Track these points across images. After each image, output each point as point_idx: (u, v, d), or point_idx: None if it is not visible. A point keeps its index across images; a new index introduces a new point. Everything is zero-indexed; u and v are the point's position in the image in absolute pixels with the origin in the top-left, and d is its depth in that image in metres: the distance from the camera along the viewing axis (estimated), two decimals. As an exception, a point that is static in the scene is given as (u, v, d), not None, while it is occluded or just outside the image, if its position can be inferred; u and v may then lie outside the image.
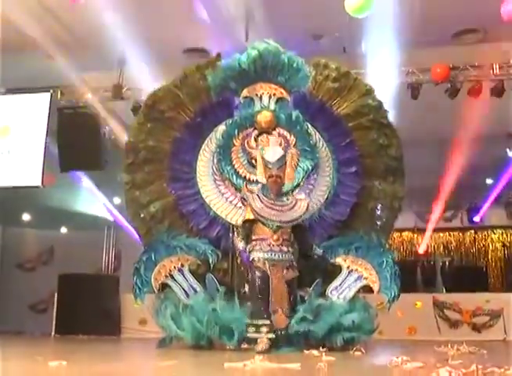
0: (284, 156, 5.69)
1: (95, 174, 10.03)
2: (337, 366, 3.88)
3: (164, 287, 5.88)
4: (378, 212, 6.33)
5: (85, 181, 10.50)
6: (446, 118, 8.07)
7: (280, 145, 5.90)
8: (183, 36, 7.62)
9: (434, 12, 6.95)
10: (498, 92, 7.72)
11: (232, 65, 6.07)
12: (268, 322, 5.08)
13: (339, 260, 5.87)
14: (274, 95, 6.19)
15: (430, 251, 15.10)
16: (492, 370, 2.98)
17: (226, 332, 5.22)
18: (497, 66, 7.80)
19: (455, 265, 14.66)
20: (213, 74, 6.14)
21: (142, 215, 6.30)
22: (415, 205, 12.86)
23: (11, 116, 8.64)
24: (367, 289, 5.82)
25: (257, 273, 5.23)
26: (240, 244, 5.46)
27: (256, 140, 6.10)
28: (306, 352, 4.71)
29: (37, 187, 8.53)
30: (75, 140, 8.50)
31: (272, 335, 5.03)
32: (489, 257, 14.92)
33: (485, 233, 15.08)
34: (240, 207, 5.91)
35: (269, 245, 5.34)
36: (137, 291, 5.78)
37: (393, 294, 5.63)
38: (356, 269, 5.81)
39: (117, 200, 11.27)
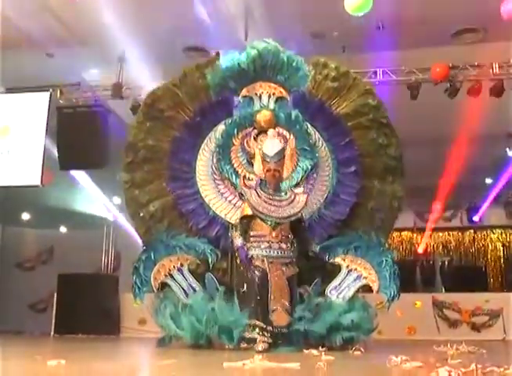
0: (283, 149, 5.67)
1: (95, 173, 10.03)
2: (337, 365, 3.87)
3: (164, 286, 5.87)
4: (377, 212, 6.32)
5: (85, 180, 10.48)
6: (446, 118, 8.08)
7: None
8: (183, 35, 7.61)
9: (433, 12, 6.95)
10: (497, 91, 7.71)
11: (232, 64, 6.06)
12: (264, 325, 5.07)
13: (338, 259, 5.87)
14: (273, 94, 6.19)
15: (429, 250, 15.11)
16: (491, 370, 2.97)
17: (225, 331, 5.21)
18: (497, 66, 7.79)
19: (454, 265, 14.67)
20: (212, 73, 6.14)
21: (141, 214, 6.30)
22: (414, 205, 12.85)
23: (10, 115, 8.63)
24: (366, 288, 5.82)
25: (256, 273, 5.23)
26: (238, 241, 5.43)
27: (255, 139, 6.10)
28: (305, 351, 4.71)
29: (36, 186, 8.52)
30: (74, 139, 8.48)
31: (269, 339, 5.02)
32: (489, 256, 14.92)
33: (485, 232, 15.08)
34: (240, 206, 5.89)
35: (268, 242, 5.33)
36: (136, 290, 5.78)
37: (392, 293, 5.62)
38: (355, 269, 5.81)
39: (116, 200, 11.26)
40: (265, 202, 5.42)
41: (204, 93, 6.30)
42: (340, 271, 5.83)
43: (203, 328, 5.27)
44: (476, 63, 7.85)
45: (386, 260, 5.71)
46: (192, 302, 5.61)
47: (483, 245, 15.07)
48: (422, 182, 9.46)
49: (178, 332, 5.44)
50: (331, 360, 3.87)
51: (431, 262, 14.71)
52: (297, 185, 5.95)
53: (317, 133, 6.27)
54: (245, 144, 6.08)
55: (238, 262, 5.61)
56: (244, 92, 6.18)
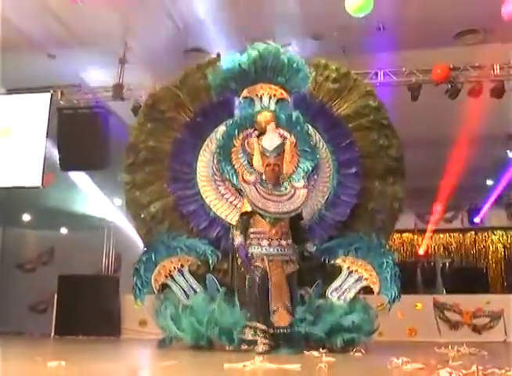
0: (282, 144, 5.64)
1: (95, 174, 10.02)
2: (337, 367, 3.87)
3: (164, 287, 5.87)
4: (378, 213, 6.31)
5: (85, 181, 10.48)
6: (446, 119, 8.07)
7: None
8: (184, 36, 7.61)
9: (434, 13, 6.95)
10: (498, 92, 7.71)
11: (233, 65, 6.06)
12: (265, 327, 5.06)
13: (339, 261, 5.87)
14: (274, 95, 6.18)
15: (430, 252, 15.09)
16: (492, 372, 2.97)
17: (226, 333, 5.21)
18: (497, 67, 7.78)
19: (455, 267, 14.66)
20: (213, 73, 6.14)
21: (142, 216, 6.30)
22: (415, 206, 12.85)
23: (12, 116, 8.63)
24: (367, 290, 5.81)
25: (257, 273, 5.21)
26: (238, 239, 5.39)
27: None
28: (306, 353, 4.71)
29: (37, 188, 8.51)
30: (75, 141, 8.48)
31: (271, 341, 5.01)
32: (489, 258, 14.91)
33: (486, 234, 15.07)
34: (240, 207, 5.89)
35: (268, 239, 5.32)
36: (137, 291, 5.78)
37: (393, 295, 5.62)
38: (356, 270, 5.81)
39: (117, 201, 11.26)
40: (264, 198, 5.38)
41: (205, 94, 6.31)
42: (340, 272, 5.83)
43: (204, 329, 5.27)
44: (477, 65, 7.85)
45: (387, 261, 5.70)
46: (192, 303, 5.60)
47: (484, 247, 15.06)
48: (423, 184, 9.45)
49: (179, 333, 5.43)
50: (332, 362, 3.88)
51: (432, 264, 14.72)
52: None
53: (318, 134, 6.27)
54: (246, 145, 6.07)
55: (239, 263, 5.60)
56: (245, 93, 6.18)
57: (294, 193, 5.50)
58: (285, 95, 6.20)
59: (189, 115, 6.35)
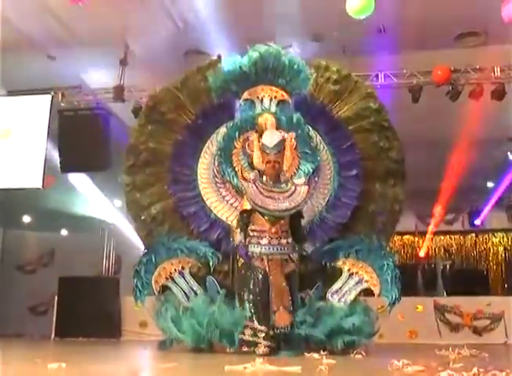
0: (283, 141, 5.63)
1: (96, 176, 10.02)
2: (338, 369, 3.87)
3: (165, 289, 5.86)
4: (379, 215, 6.31)
5: (86, 183, 10.48)
6: (447, 121, 8.08)
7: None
8: (185, 37, 7.61)
9: (435, 15, 6.96)
10: (499, 95, 7.71)
11: (233, 67, 6.04)
12: (265, 329, 5.05)
13: (339, 263, 5.85)
14: (275, 97, 6.16)
15: (431, 254, 15.10)
16: (493, 374, 2.97)
17: (226, 335, 5.19)
18: (498, 69, 7.79)
19: (456, 269, 14.65)
20: (214, 75, 6.12)
21: (142, 217, 6.29)
22: (416, 208, 12.84)
23: (12, 118, 8.63)
24: (368, 292, 5.80)
25: (257, 274, 5.21)
26: (238, 237, 5.39)
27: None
28: (307, 355, 4.70)
29: (37, 189, 8.52)
30: (76, 142, 8.48)
31: (272, 343, 5.00)
32: (490, 260, 14.91)
33: (486, 236, 15.07)
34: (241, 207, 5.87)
35: (267, 238, 5.30)
36: (137, 293, 5.77)
37: (394, 297, 5.60)
38: (357, 272, 5.79)
39: (117, 202, 11.26)
40: (264, 195, 5.34)
41: (206, 96, 6.30)
42: (341, 275, 5.82)
43: (204, 331, 5.25)
44: (477, 67, 7.85)
45: (387, 264, 5.69)
46: (193, 305, 5.59)
47: (484, 249, 15.06)
48: (423, 186, 9.45)
49: (179, 335, 5.42)
50: (332, 364, 3.87)
51: (433, 266, 14.70)
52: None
53: (318, 136, 6.26)
54: (246, 147, 6.06)
55: (239, 264, 5.59)
56: (246, 95, 6.16)
57: (295, 190, 5.46)
58: (286, 96, 6.17)
59: (189, 117, 6.34)
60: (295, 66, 6.04)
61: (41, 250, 13.47)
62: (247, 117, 6.09)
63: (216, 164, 6.12)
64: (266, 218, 5.34)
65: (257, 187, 5.40)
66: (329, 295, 5.69)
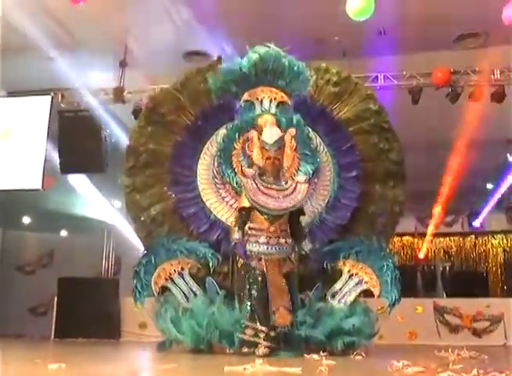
0: (282, 137, 5.59)
1: (96, 177, 10.02)
2: (338, 370, 3.87)
3: (164, 290, 5.86)
4: (378, 217, 6.31)
5: (85, 184, 10.48)
6: (447, 123, 8.08)
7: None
8: (185, 39, 7.61)
9: (435, 17, 6.96)
10: (498, 97, 7.71)
11: (233, 68, 6.04)
12: (265, 329, 5.05)
13: (339, 264, 5.86)
14: (275, 99, 6.16)
15: (430, 255, 15.10)
16: (493, 375, 2.97)
17: (226, 336, 5.20)
18: (498, 71, 7.79)
19: (455, 270, 14.67)
20: (214, 77, 6.13)
21: (142, 218, 6.30)
22: (415, 210, 12.84)
23: (12, 119, 8.63)
24: (368, 293, 5.81)
25: (256, 275, 5.20)
26: (236, 235, 5.36)
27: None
28: (306, 356, 4.70)
29: (37, 190, 8.52)
30: (76, 143, 8.48)
31: (271, 344, 5.00)
32: (490, 262, 14.91)
33: (486, 238, 15.08)
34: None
35: (266, 237, 5.28)
36: (137, 294, 5.77)
37: (393, 298, 5.61)
38: (357, 273, 5.81)
39: (117, 204, 11.26)
40: (263, 192, 5.31)
41: (206, 97, 6.30)
42: (341, 276, 5.83)
43: (204, 332, 5.26)
44: (477, 69, 7.85)
45: (387, 265, 5.70)
46: (192, 306, 5.59)
47: (484, 250, 15.06)
48: (423, 187, 9.46)
49: (179, 336, 5.42)
50: (332, 365, 3.87)
51: (432, 267, 14.73)
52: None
53: (318, 138, 6.27)
54: (246, 148, 6.06)
55: (239, 265, 5.59)
56: (246, 96, 6.16)
57: (295, 187, 5.43)
58: (285, 98, 6.18)
59: (189, 118, 6.35)
60: (295, 68, 6.04)
61: (41, 251, 13.47)
62: (247, 119, 6.09)
63: (216, 165, 6.13)
64: (265, 216, 5.32)
65: (256, 184, 5.36)
66: (329, 296, 5.70)
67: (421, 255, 14.87)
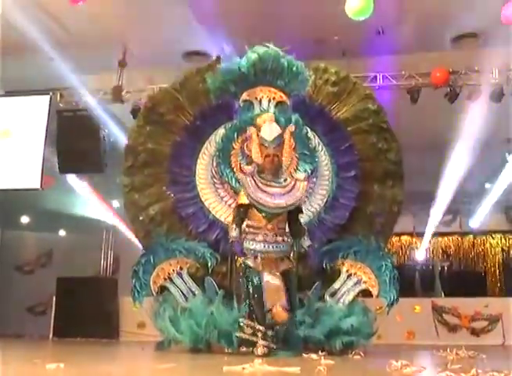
0: (282, 134, 5.54)
1: (94, 177, 10.02)
2: (336, 369, 3.87)
3: (163, 290, 5.87)
4: (377, 216, 6.31)
5: (84, 184, 10.47)
6: (445, 122, 8.08)
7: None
8: (184, 38, 7.61)
9: (434, 17, 6.97)
10: (497, 96, 7.72)
11: (232, 68, 6.02)
12: (263, 328, 5.04)
13: (338, 264, 5.87)
14: (274, 98, 6.14)
15: (428, 255, 15.09)
16: (491, 375, 2.97)
17: (225, 335, 5.19)
18: (496, 71, 7.80)
19: (454, 270, 14.66)
20: (212, 77, 6.11)
21: (141, 218, 6.31)
22: (414, 209, 12.85)
23: (11, 118, 8.62)
24: (366, 293, 5.82)
25: (252, 274, 5.17)
26: (234, 233, 5.29)
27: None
28: (305, 355, 4.70)
29: (36, 190, 8.51)
30: (74, 143, 8.48)
31: (270, 344, 4.99)
32: (488, 262, 14.89)
33: (484, 237, 15.06)
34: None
35: (263, 235, 5.25)
36: (135, 294, 5.78)
37: (392, 298, 5.62)
38: (355, 273, 5.81)
39: (115, 203, 11.26)
40: (262, 190, 5.25)
41: (204, 97, 6.30)
42: (339, 275, 5.83)
43: (203, 332, 5.26)
44: (476, 69, 7.86)
45: (385, 264, 5.71)
46: (191, 306, 5.59)
47: (482, 250, 15.05)
48: (422, 187, 9.46)
49: (177, 336, 5.43)
50: (331, 365, 3.87)
51: (431, 267, 14.72)
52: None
53: (317, 138, 6.27)
54: (245, 148, 6.05)
55: (237, 265, 5.60)
56: (244, 96, 6.14)
57: (294, 185, 5.38)
58: (284, 98, 6.16)
59: (188, 118, 6.35)
60: (294, 68, 6.02)
61: (40, 250, 13.47)
62: (246, 118, 6.07)
63: (214, 164, 6.14)
64: (263, 214, 5.29)
65: (254, 181, 5.31)
66: (327, 296, 5.69)
67: (419, 255, 14.88)
